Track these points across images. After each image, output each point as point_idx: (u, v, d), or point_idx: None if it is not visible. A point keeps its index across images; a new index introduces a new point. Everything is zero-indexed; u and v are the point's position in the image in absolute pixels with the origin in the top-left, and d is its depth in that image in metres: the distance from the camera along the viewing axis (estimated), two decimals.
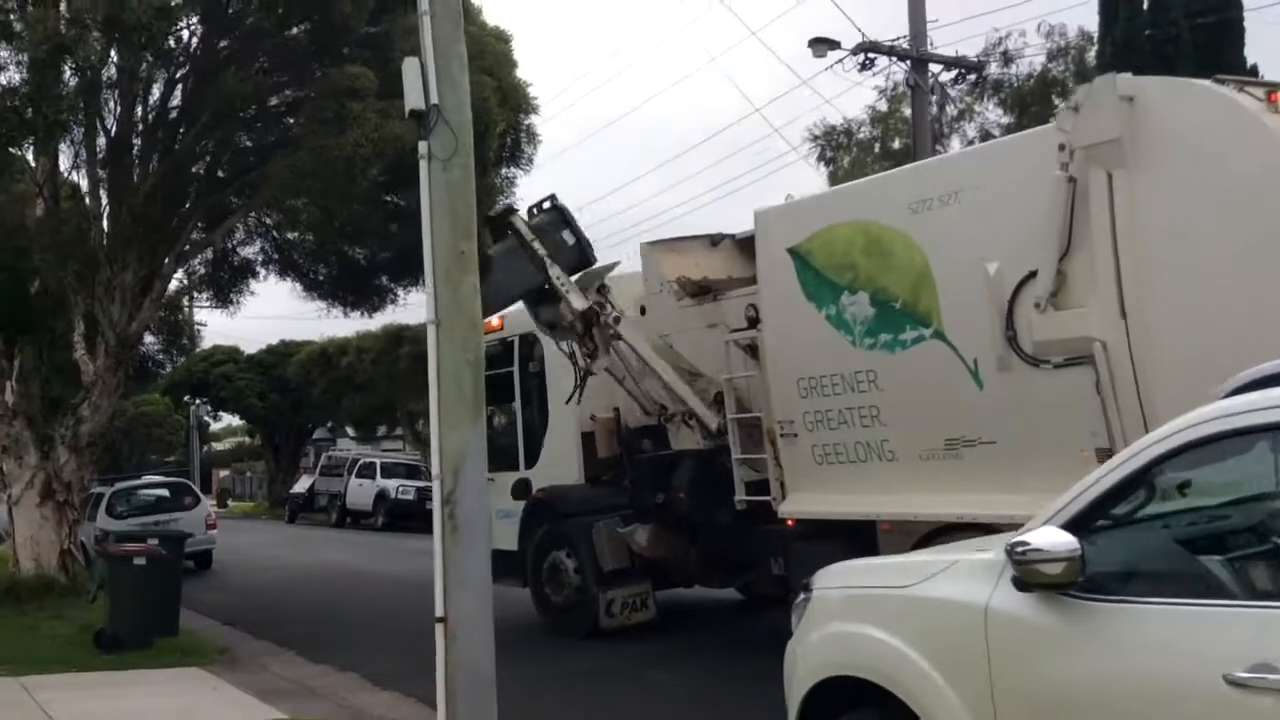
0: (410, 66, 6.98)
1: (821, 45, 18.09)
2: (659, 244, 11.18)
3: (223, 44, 15.02)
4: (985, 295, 7.49)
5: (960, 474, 7.84)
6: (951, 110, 26.16)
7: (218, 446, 74.64)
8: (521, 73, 14.74)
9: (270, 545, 26.46)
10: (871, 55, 18.59)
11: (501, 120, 15.37)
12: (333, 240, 16.22)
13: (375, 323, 34.87)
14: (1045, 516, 4.19)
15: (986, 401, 7.62)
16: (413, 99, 6.91)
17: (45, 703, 9.21)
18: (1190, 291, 6.47)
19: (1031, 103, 24.85)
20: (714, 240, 11.56)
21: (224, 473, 71.12)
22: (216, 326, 49.71)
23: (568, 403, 11.49)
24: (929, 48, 18.94)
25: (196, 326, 28.90)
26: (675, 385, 10.41)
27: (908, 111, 26.57)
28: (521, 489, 12.40)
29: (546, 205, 11.10)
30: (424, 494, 31.65)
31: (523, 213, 11.31)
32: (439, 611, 6.55)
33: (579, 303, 10.45)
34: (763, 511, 9.71)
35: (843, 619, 4.94)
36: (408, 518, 31.45)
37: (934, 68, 19.40)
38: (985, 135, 24.15)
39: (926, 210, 7.90)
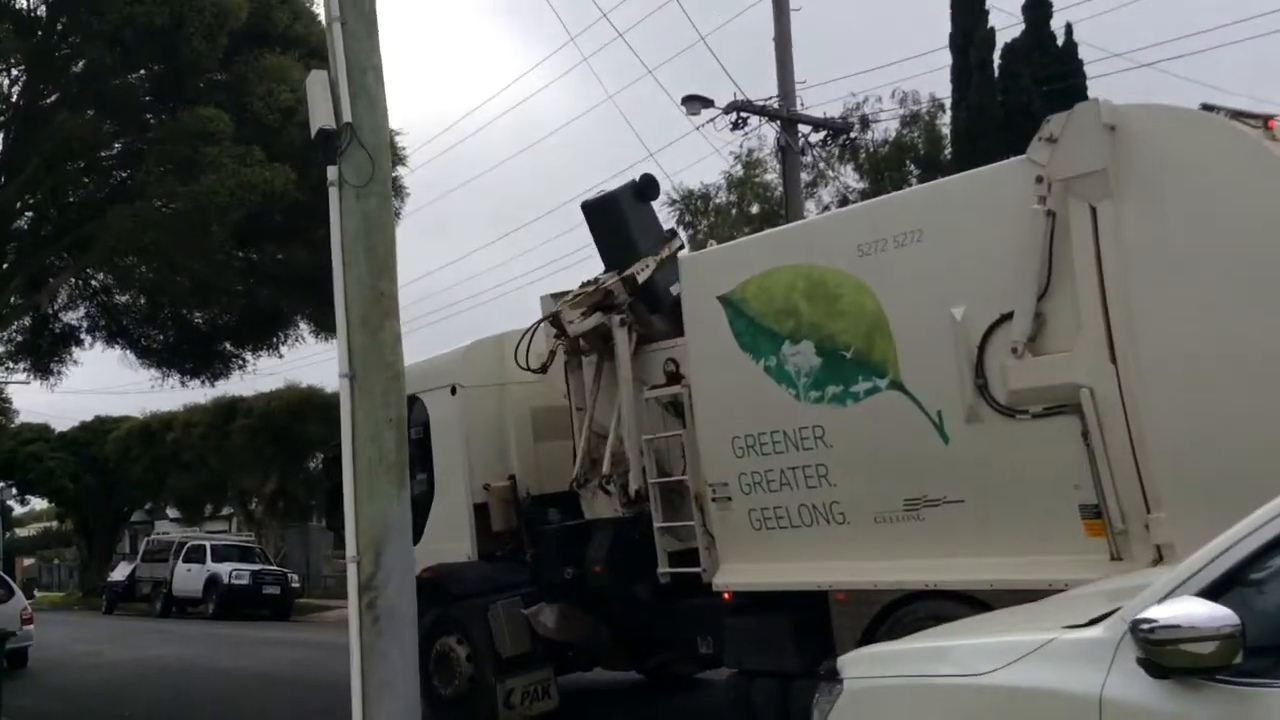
0: (316, 80, 6.03)
1: (695, 103, 17.72)
2: (561, 297, 10.31)
3: (51, 91, 13.62)
4: (951, 341, 6.91)
5: (922, 537, 7.18)
6: (806, 176, 26.31)
7: (20, 532, 69.42)
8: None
9: (90, 640, 24.02)
10: (744, 114, 18.28)
11: None
12: (179, 301, 14.81)
13: (202, 395, 32.84)
14: (1169, 583, 3.48)
15: (952, 456, 7.00)
16: (320, 117, 5.96)
17: None
18: (1190, 328, 6.00)
19: (886, 167, 25.16)
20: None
21: (29, 561, 65.97)
22: (22, 402, 45.99)
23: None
24: (799, 108, 18.79)
25: (4, 402, 26.47)
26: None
27: (768, 176, 26.71)
28: None
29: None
30: (260, 578, 29.65)
31: None
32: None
33: None
34: (688, 585, 8.88)
35: (895, 716, 4.14)
36: (242, 605, 29.33)
37: (803, 128, 19.25)
38: (843, 200, 24.23)
39: (879, 252, 7.30)
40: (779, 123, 18.85)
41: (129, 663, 19.34)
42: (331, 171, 5.98)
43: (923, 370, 7.11)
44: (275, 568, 31.17)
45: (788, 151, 18.89)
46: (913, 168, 24.78)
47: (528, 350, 10.06)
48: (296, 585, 31.17)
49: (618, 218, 9.96)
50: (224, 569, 30.02)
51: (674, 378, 9.05)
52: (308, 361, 73.38)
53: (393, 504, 5.70)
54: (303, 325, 16.77)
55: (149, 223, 11.88)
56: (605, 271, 9.92)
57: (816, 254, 7.72)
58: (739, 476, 8.20)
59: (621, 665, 11.06)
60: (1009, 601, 6.60)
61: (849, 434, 7.52)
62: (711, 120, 18.73)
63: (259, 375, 31.53)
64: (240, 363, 17.52)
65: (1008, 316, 6.67)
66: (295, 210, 13.35)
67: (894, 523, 7.32)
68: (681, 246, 10.16)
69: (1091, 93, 21.39)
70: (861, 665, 4.39)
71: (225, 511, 46.79)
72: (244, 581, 29.46)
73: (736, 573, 8.31)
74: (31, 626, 18.22)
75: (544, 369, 10.21)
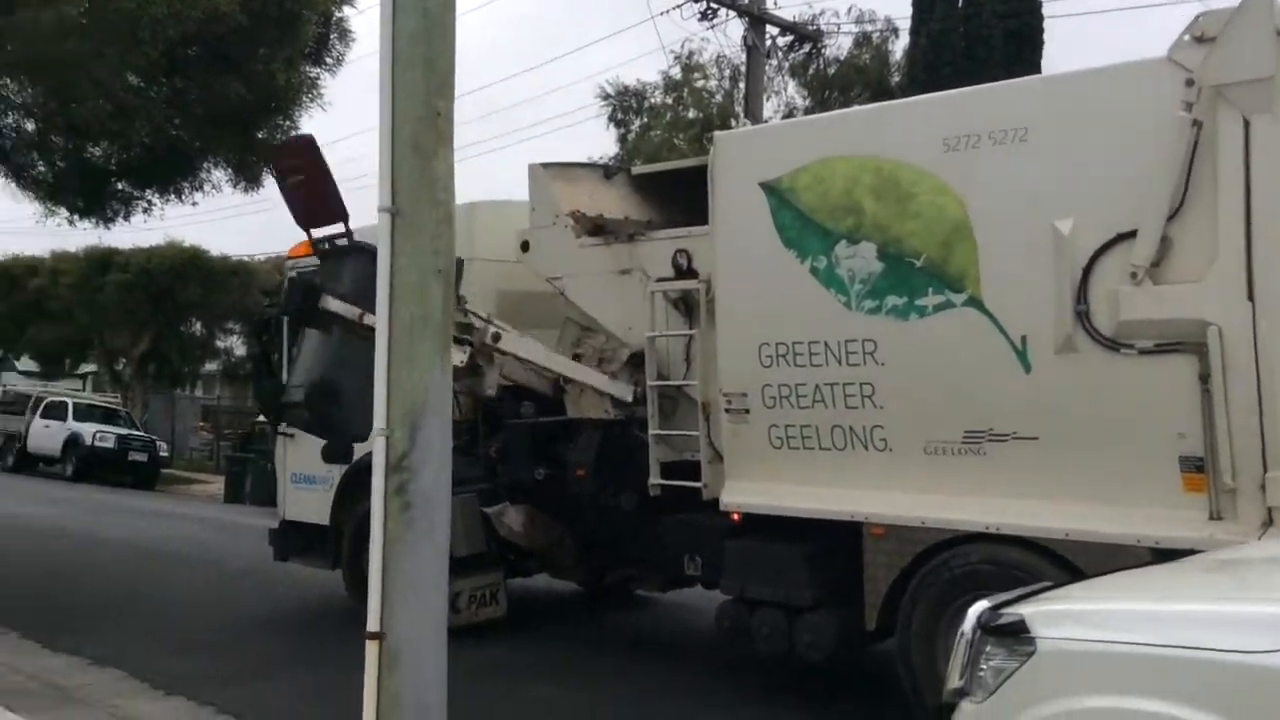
0: None
1: None
2: (551, 167, 9.20)
3: None
4: (1050, 259, 6.12)
5: (981, 474, 6.45)
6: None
7: None
8: None
9: None
10: (715, 5, 17.15)
11: (321, 4, 12.90)
12: (86, 127, 13.04)
13: (73, 242, 30.50)
14: None
15: (1032, 388, 6.25)
16: None
17: None
18: None
19: (833, 86, 24.33)
20: (608, 172, 9.74)
21: None
22: None
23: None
24: (771, 7, 17.76)
25: None
26: (583, 377, 8.57)
27: (709, 83, 25.61)
28: (339, 451, 10.14)
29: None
30: (126, 443, 27.87)
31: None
32: (373, 624, 4.63)
33: (458, 357, 7.80)
34: (677, 499, 8.05)
35: (1117, 692, 3.35)
36: (104, 469, 27.53)
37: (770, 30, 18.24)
38: (789, 113, 23.35)
39: (970, 148, 6.43)
40: (748, 20, 17.79)
41: None
42: None
43: (1009, 288, 6.31)
44: (142, 434, 29.34)
45: (754, 51, 17.87)
46: (861, 91, 23.99)
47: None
48: (165, 454, 29.45)
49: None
50: (86, 429, 28.07)
51: (683, 272, 8.10)
52: (188, 220, 69.57)
53: (434, 372, 4.66)
54: (218, 172, 15.15)
55: (70, 29, 10.22)
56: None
57: (889, 145, 6.81)
58: (762, 388, 7.34)
59: (575, 576, 10.24)
60: (1081, 554, 6.00)
61: (907, 352, 6.71)
62: (678, 7, 17.57)
63: (136, 230, 29.23)
64: (145, 205, 15.74)
65: (1126, 236, 5.90)
66: (235, 36, 11.83)
67: (948, 455, 6.57)
68: None
69: (1047, 36, 20.99)
70: (1066, 625, 3.58)
71: (82, 370, 44.20)
72: (109, 444, 27.59)
73: (747, 492, 7.49)
74: None
75: (525, 246, 9.14)
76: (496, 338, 8.40)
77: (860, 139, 7.01)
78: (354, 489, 9.72)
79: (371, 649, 4.57)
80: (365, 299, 7.43)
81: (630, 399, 8.45)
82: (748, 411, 7.44)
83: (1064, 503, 6.13)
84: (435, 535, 4.64)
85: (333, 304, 8.16)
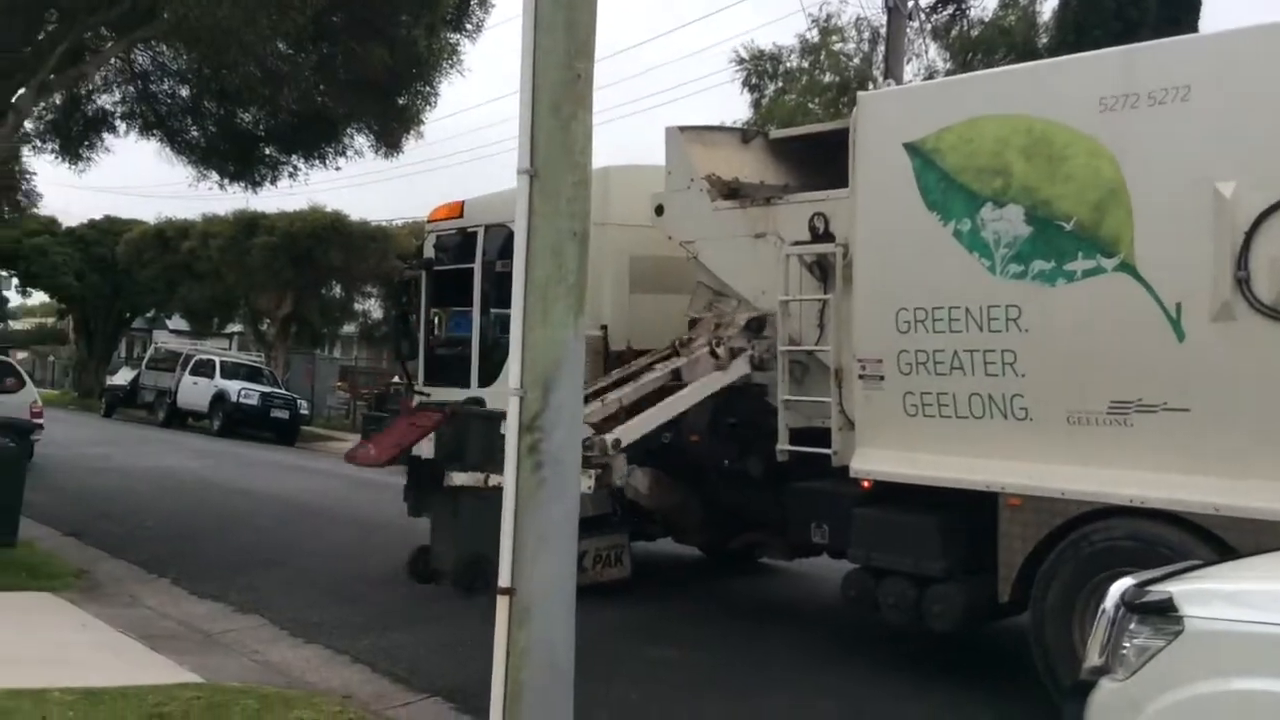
0: None
1: None
2: (688, 130, 9.15)
3: None
4: (1210, 223, 5.84)
5: (1127, 445, 6.23)
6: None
7: (14, 325, 68.59)
8: None
9: (95, 442, 23.30)
10: None
11: None
12: (239, 93, 13.45)
13: (222, 206, 31.60)
14: None
15: (1185, 358, 6.00)
16: None
17: None
18: None
19: (977, 49, 23.62)
20: (745, 136, 9.63)
21: (22, 354, 65.23)
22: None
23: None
24: None
25: (30, 187, 25.07)
26: (699, 395, 8.29)
27: (846, 46, 25.16)
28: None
29: None
30: (269, 400, 28.84)
31: None
32: (505, 580, 4.66)
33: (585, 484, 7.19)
34: (805, 465, 7.98)
35: (1269, 675, 3.20)
36: (248, 425, 28.61)
37: None
38: (930, 76, 22.76)
39: (1128, 108, 6.17)
40: None
41: (139, 470, 18.58)
42: None
43: (1164, 253, 6.06)
44: (284, 391, 30.35)
45: (895, 13, 17.46)
46: (1006, 54, 23.23)
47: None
48: (305, 412, 30.41)
49: None
50: (232, 386, 29.17)
51: (822, 235, 7.98)
52: (330, 186, 71.70)
53: (568, 332, 4.70)
54: (360, 138, 15.51)
55: None
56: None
57: (1042, 105, 6.57)
58: (898, 354, 7.20)
59: (699, 541, 10.25)
60: (1232, 530, 5.76)
61: (1053, 318, 6.49)
62: None
63: (281, 194, 30.23)
64: (290, 170, 16.20)
65: None
66: (379, 2, 12.06)
67: (1092, 426, 6.36)
68: None
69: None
70: (1217, 604, 3.44)
71: (230, 330, 45.94)
72: (253, 401, 28.63)
73: (879, 460, 7.36)
74: (41, 421, 17.39)
75: (659, 210, 9.11)
76: (617, 444, 7.71)
77: (1011, 98, 6.78)
78: None
79: (502, 604, 4.61)
80: None
81: (745, 374, 8.33)
82: (882, 378, 7.31)
83: (1215, 477, 5.89)
84: (565, 495, 4.67)
85: None
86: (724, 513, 9.20)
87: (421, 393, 10.99)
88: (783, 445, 8.04)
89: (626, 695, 6.83)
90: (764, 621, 9.08)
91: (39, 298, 57.09)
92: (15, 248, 40.39)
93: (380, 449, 8.79)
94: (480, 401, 10.21)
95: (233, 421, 28.59)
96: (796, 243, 8.06)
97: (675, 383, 8.32)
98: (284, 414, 28.81)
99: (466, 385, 10.46)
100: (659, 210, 9.11)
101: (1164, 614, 3.48)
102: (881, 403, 7.34)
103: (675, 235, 9.00)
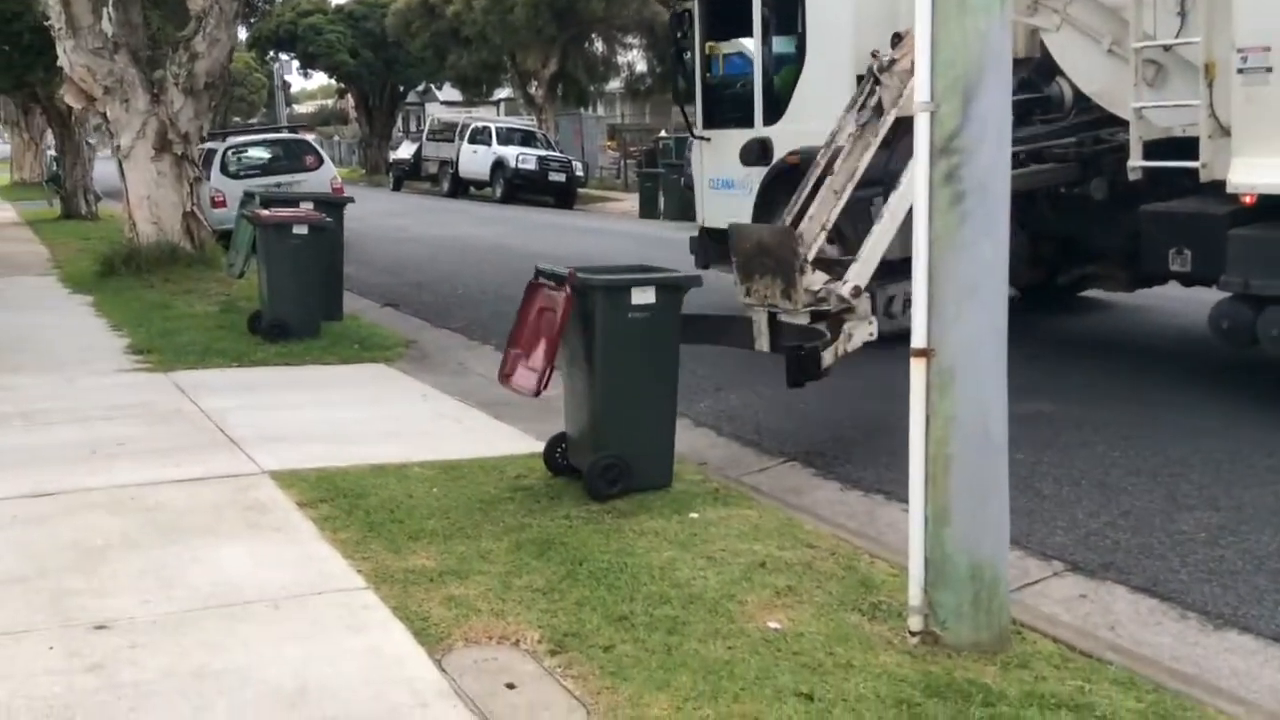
0: None
1: None
2: None
3: None
4: None
5: None
6: None
7: (298, 109, 72.10)
8: None
9: (390, 214, 24.25)
10: None
11: None
12: None
13: None
14: None
15: None
16: None
17: (214, 412, 7.15)
18: None
19: None
20: None
21: (310, 136, 68.81)
22: None
23: None
24: None
25: None
26: None
27: None
28: (757, 152, 9.76)
29: None
30: (546, 164, 29.08)
31: None
32: (919, 340, 3.83)
33: None
34: (1161, 184, 7.03)
35: None
36: (527, 190, 29.04)
37: None
38: None
39: None
40: None
41: (437, 239, 19.19)
42: None
43: None
44: (559, 155, 30.52)
45: None
46: None
47: None
48: (580, 174, 30.51)
49: None
50: (510, 153, 29.56)
51: None
52: None
53: (993, 21, 3.75)
54: None
55: None
56: None
57: None
58: None
59: (1021, 279, 9.43)
60: None
61: None
62: None
63: None
64: None
65: None
66: None
67: None
68: None
69: None
70: None
71: (498, 96, 46.43)
72: (530, 166, 28.97)
73: (1265, 170, 6.35)
74: (343, 196, 18.07)
75: None
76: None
77: None
78: (774, 194, 9.34)
79: (918, 367, 3.84)
80: None
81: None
82: (1269, 70, 6.20)
83: None
84: (995, 230, 3.83)
85: None
86: (1056, 246, 8.37)
87: (702, 137, 10.50)
88: (1135, 161, 7.09)
89: (1038, 460, 6.06)
90: (1114, 360, 8.32)
91: (317, 80, 59.50)
92: (291, 29, 41.77)
93: (537, 359, 6.69)
94: (765, 141, 9.68)
95: (513, 188, 29.07)
96: None
97: None
98: (561, 177, 29.05)
99: (750, 125, 9.88)
100: None
101: None
102: (1268, 101, 6.25)
103: None
